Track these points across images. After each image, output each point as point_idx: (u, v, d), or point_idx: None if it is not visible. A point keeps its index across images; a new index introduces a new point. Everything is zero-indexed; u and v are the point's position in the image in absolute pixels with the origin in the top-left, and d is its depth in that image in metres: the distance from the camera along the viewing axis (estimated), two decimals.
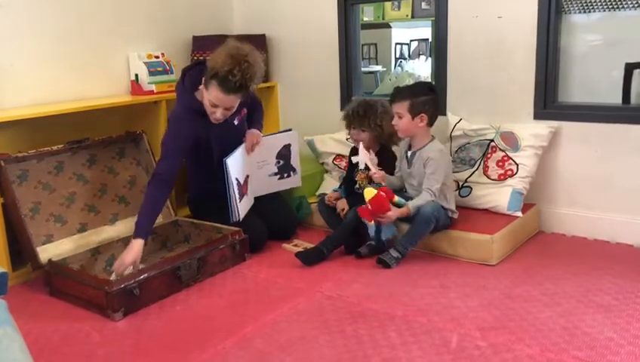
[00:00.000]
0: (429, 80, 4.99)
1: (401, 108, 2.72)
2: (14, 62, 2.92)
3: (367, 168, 2.83)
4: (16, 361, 1.23)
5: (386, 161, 2.93)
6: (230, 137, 2.92)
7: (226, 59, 2.58)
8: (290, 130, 3.23)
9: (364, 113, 2.94)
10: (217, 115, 2.71)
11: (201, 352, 2.03)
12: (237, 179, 2.80)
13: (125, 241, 2.83)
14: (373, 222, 2.69)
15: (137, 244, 2.53)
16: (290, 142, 3.17)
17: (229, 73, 2.57)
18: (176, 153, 2.74)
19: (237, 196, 2.78)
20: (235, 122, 2.97)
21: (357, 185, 3.06)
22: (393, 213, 2.65)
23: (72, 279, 2.46)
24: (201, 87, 2.72)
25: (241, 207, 2.84)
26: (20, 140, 2.79)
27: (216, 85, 2.61)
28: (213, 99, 2.66)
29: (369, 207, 2.65)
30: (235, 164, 2.81)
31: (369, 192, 2.64)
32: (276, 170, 3.15)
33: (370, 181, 2.97)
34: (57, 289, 2.53)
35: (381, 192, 2.63)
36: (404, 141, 2.90)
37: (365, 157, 2.79)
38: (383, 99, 2.98)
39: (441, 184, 2.70)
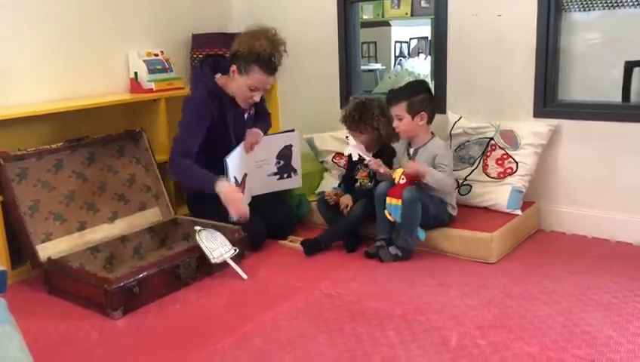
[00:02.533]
0: (429, 78, 5.00)
1: (400, 110, 2.71)
2: (14, 60, 2.92)
3: (361, 159, 2.82)
4: (15, 359, 1.23)
5: (389, 159, 2.92)
6: (241, 129, 2.98)
7: (267, 43, 2.73)
8: (292, 130, 3.23)
9: (359, 117, 2.93)
10: (256, 97, 2.86)
11: (200, 350, 2.03)
12: (235, 178, 2.80)
13: (123, 239, 2.85)
14: (400, 202, 2.67)
15: (225, 184, 2.66)
16: (291, 142, 3.17)
17: (271, 56, 2.74)
18: (199, 133, 2.82)
19: None
20: (245, 116, 3.03)
21: (358, 183, 3.06)
22: (423, 167, 2.68)
23: (72, 277, 2.45)
24: (233, 74, 2.81)
25: None
26: (20, 138, 2.79)
27: (259, 68, 2.76)
28: (256, 82, 2.80)
29: (403, 180, 2.68)
30: (234, 162, 2.81)
31: (398, 171, 2.71)
32: (275, 170, 3.14)
33: (371, 179, 2.97)
34: (56, 288, 2.53)
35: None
36: (401, 140, 2.90)
37: (357, 148, 2.79)
38: (382, 98, 2.97)
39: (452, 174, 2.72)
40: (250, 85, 2.81)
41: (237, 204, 2.67)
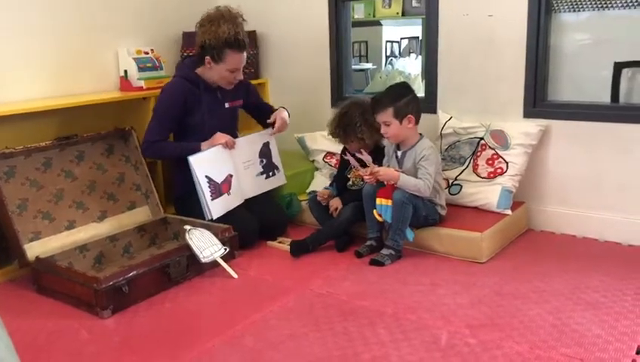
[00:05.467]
0: (419, 78, 5.01)
1: (386, 116, 2.71)
2: (1, 57, 2.89)
3: (363, 166, 2.82)
4: (2, 360, 1.22)
5: (380, 160, 2.92)
6: (220, 114, 3.02)
7: (228, 24, 2.81)
8: (267, 127, 3.21)
9: (344, 133, 2.93)
10: (238, 75, 2.95)
11: (190, 350, 2.02)
12: (208, 177, 2.81)
13: (113, 238, 2.83)
14: (390, 202, 2.68)
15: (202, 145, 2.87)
16: (268, 139, 3.16)
17: (237, 34, 2.83)
18: (168, 121, 2.93)
19: (207, 194, 2.80)
20: (227, 105, 3.06)
21: (350, 183, 3.06)
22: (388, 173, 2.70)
23: (60, 276, 2.44)
24: (209, 65, 2.88)
25: (216, 206, 2.83)
26: (8, 136, 2.76)
27: (232, 50, 2.84)
28: (233, 64, 2.88)
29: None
30: (205, 161, 2.82)
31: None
32: (262, 170, 3.14)
33: (363, 179, 2.97)
34: (45, 287, 2.51)
35: None
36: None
37: (367, 159, 2.78)
38: (365, 101, 2.92)
39: (433, 180, 2.71)
40: (229, 69, 2.89)
41: (222, 136, 2.89)
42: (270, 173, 3.18)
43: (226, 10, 2.87)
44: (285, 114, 3.17)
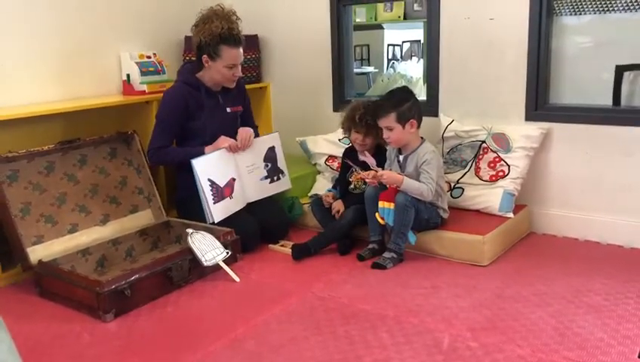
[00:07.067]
0: (421, 81, 5.02)
1: (389, 121, 2.71)
2: (4, 61, 2.91)
3: (363, 169, 2.82)
4: None
5: (381, 162, 2.92)
6: (221, 118, 3.03)
7: (220, 20, 2.84)
8: (275, 132, 3.22)
9: (373, 121, 2.83)
10: (237, 72, 2.96)
11: (191, 353, 2.03)
12: (210, 180, 2.81)
13: (115, 242, 2.83)
14: (393, 205, 2.69)
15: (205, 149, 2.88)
16: (273, 144, 3.17)
17: (230, 30, 2.86)
18: (171, 126, 2.95)
19: (210, 197, 2.80)
20: (228, 110, 3.07)
21: (352, 186, 3.07)
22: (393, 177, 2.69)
23: (63, 280, 2.44)
24: (207, 64, 2.91)
25: (218, 210, 2.84)
26: (10, 140, 2.77)
27: (227, 45, 2.86)
28: (230, 59, 2.89)
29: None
30: (208, 165, 2.83)
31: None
32: (266, 174, 3.14)
33: (365, 182, 2.97)
34: (47, 290, 2.51)
35: None
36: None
37: (372, 162, 2.79)
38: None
39: (436, 184, 2.71)
40: (226, 65, 2.90)
41: (226, 139, 2.90)
42: (275, 178, 3.18)
43: (219, 8, 2.90)
44: (249, 129, 3.08)
